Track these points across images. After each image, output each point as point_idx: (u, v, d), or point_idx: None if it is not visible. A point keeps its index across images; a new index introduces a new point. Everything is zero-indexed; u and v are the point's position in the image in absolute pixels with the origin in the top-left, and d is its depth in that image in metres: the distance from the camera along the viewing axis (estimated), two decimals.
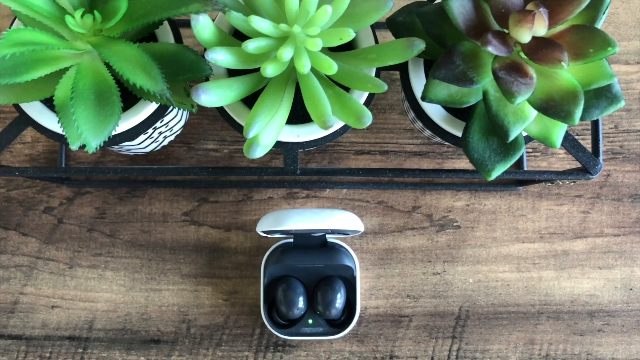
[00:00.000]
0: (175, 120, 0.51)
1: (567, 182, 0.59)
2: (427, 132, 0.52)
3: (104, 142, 0.42)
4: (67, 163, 0.58)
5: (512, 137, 0.38)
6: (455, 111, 0.44)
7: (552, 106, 0.36)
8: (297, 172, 0.42)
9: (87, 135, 0.36)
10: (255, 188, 0.58)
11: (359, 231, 0.50)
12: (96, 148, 0.36)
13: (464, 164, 0.59)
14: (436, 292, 0.58)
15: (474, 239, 0.58)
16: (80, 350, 0.56)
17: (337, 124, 0.42)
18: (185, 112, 0.53)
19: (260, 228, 0.49)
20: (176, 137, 0.57)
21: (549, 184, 0.59)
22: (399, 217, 0.58)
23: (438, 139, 0.53)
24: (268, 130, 0.38)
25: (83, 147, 0.42)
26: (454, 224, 0.58)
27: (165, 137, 0.52)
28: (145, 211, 0.58)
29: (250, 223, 0.58)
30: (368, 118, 0.37)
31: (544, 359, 0.57)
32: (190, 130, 0.58)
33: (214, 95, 0.37)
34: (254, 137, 0.38)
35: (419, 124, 0.50)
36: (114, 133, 0.42)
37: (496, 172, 0.41)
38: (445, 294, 0.58)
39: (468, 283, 0.58)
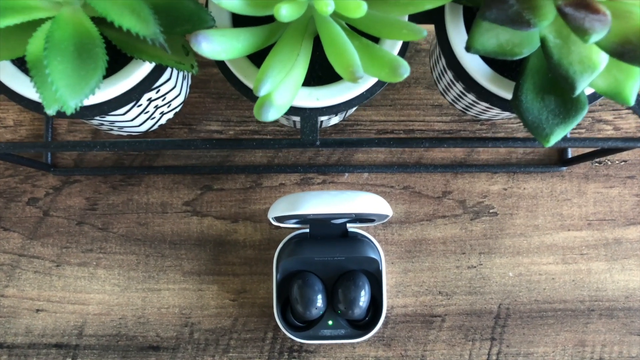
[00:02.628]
0: (174, 93, 0.44)
1: (617, 162, 0.52)
2: (461, 104, 0.45)
3: (92, 112, 0.36)
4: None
5: (579, 90, 0.31)
6: (502, 69, 0.37)
7: (629, 50, 0.30)
8: (317, 142, 0.36)
9: (63, 92, 0.29)
10: (265, 173, 0.52)
11: (386, 216, 0.44)
12: (76, 109, 0.30)
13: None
14: (472, 288, 0.51)
15: (513, 228, 0.51)
16: None
17: (365, 83, 0.35)
18: (185, 85, 0.46)
19: (272, 214, 0.42)
20: (175, 116, 0.51)
21: (597, 163, 0.52)
22: (428, 203, 0.52)
23: (472, 113, 0.47)
24: (283, 88, 0.32)
25: (63, 114, 0.35)
26: (490, 211, 0.51)
27: (162, 114, 0.46)
28: (141, 201, 0.51)
29: (260, 213, 0.51)
30: (405, 68, 0.30)
31: None
32: (191, 110, 0.52)
33: (218, 44, 0.30)
34: (266, 95, 0.31)
35: (453, 92, 0.44)
36: (101, 100, 0.36)
37: (555, 137, 0.34)
38: (482, 290, 0.51)
39: (507, 277, 0.51)
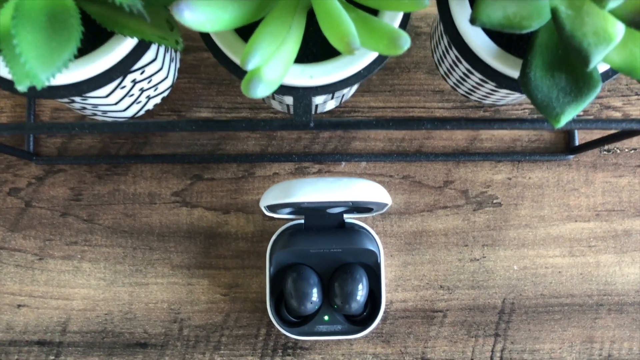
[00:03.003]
0: (161, 75, 0.42)
1: (627, 150, 0.50)
2: (464, 88, 0.43)
3: (70, 91, 0.34)
4: (37, 136, 0.49)
5: (593, 63, 0.29)
6: (508, 47, 0.35)
7: None
8: (310, 124, 0.33)
9: (33, 65, 0.27)
10: (258, 162, 0.49)
11: (385, 205, 0.41)
12: (47, 81, 0.27)
13: (504, 132, 0.50)
14: (475, 282, 0.48)
15: (518, 219, 0.49)
16: (52, 358, 0.47)
17: (362, 60, 0.33)
18: (173, 68, 0.44)
19: (264, 202, 0.40)
20: (164, 101, 0.49)
21: (606, 152, 0.50)
22: (429, 193, 0.49)
23: (475, 98, 0.44)
24: (273, 62, 0.29)
25: (39, 93, 0.33)
26: (494, 201, 0.49)
27: (149, 98, 0.44)
28: (128, 191, 0.49)
29: (253, 204, 0.49)
30: (404, 39, 0.28)
31: None
32: (180, 96, 0.50)
33: (202, 13, 0.28)
34: (255, 69, 0.29)
35: (456, 74, 0.41)
36: (80, 78, 0.34)
37: (566, 117, 0.32)
38: (486, 284, 0.48)
39: (512, 270, 0.48)
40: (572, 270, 0.49)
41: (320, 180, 0.39)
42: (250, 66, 0.28)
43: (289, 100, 0.40)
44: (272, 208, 0.42)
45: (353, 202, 0.39)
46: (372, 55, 0.33)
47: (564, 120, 0.32)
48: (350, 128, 0.34)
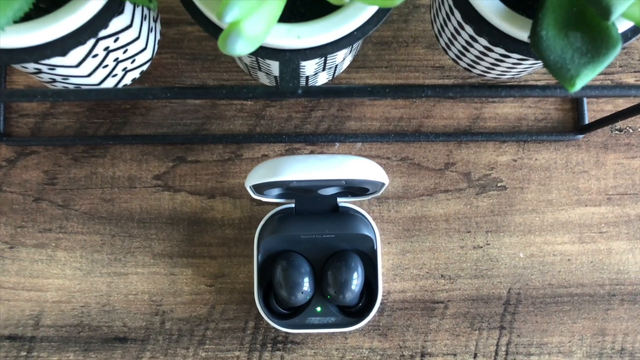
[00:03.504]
0: (138, 45, 0.38)
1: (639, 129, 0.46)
2: (467, 59, 0.40)
3: (32, 55, 0.30)
4: (7, 115, 0.46)
5: (615, 15, 0.26)
6: (516, 7, 0.32)
7: None
8: (298, 91, 0.30)
9: None
10: (246, 143, 0.46)
11: (382, 184, 0.38)
12: None
13: (508, 108, 0.47)
14: (478, 270, 0.45)
15: (524, 203, 0.46)
16: (24, 354, 0.44)
17: (356, 19, 0.30)
18: (152, 38, 0.41)
19: (250, 181, 0.37)
20: (144, 77, 0.45)
21: (617, 131, 0.47)
22: (429, 176, 0.46)
23: (478, 71, 0.41)
24: (255, 17, 0.26)
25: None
26: (498, 184, 0.46)
27: (125, 71, 0.40)
28: (106, 175, 0.46)
29: (240, 188, 0.46)
30: None
31: (619, 354, 0.44)
32: (162, 72, 0.46)
33: None
34: (234, 22, 0.25)
35: (459, 43, 0.38)
36: (43, 40, 0.30)
37: (582, 80, 0.28)
38: (490, 273, 0.45)
39: (518, 258, 0.45)
40: (582, 258, 0.45)
41: (311, 158, 0.35)
42: (228, 18, 0.25)
43: (277, 70, 0.37)
44: (259, 189, 0.38)
45: (346, 181, 0.36)
46: (366, 15, 0.30)
47: (580, 84, 0.28)
48: (342, 96, 0.30)
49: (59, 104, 0.46)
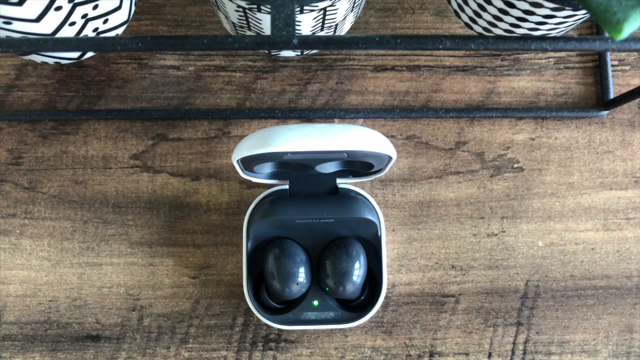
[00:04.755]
0: (111, 4, 0.34)
1: None
2: (482, 22, 0.35)
3: None
4: None
5: (626, 31, 0.21)
6: None
7: None
8: (294, 41, 0.25)
9: None
10: (234, 119, 0.41)
11: (389, 158, 0.33)
12: None
13: (524, 82, 0.42)
14: (493, 261, 0.41)
15: (543, 186, 0.41)
16: None
17: None
18: None
19: (238, 154, 0.32)
20: None
21: None
22: (438, 157, 0.41)
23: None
24: None
25: None
26: (515, 166, 0.41)
27: (97, 32, 0.36)
28: (78, 154, 0.41)
29: (227, 169, 0.41)
30: None
31: None
32: None
33: None
34: None
35: (473, 3, 0.34)
36: None
37: (630, 24, 0.24)
38: (506, 263, 0.41)
39: (537, 247, 0.41)
40: (607, 246, 0.41)
41: (307, 126, 0.31)
42: None
43: (269, 28, 0.33)
44: (248, 164, 0.34)
45: (349, 153, 0.31)
46: None
47: (628, 29, 0.24)
48: (346, 47, 0.26)
49: (26, 74, 0.41)
